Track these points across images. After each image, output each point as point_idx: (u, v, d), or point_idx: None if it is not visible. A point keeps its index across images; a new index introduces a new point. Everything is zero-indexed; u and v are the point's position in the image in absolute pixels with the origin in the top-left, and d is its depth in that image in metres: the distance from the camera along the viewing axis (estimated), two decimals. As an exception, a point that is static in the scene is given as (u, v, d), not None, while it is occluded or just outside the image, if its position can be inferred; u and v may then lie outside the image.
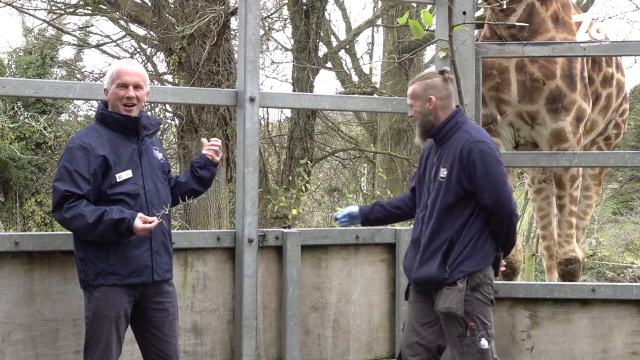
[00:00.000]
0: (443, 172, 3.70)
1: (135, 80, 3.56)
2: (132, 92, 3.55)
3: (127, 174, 3.50)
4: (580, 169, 5.88)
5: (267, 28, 13.48)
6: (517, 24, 5.23)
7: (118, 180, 3.47)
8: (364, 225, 4.22)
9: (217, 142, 3.90)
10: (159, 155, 3.72)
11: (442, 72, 3.82)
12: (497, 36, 5.45)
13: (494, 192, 3.62)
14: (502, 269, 4.07)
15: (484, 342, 3.63)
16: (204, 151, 3.91)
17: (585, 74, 5.71)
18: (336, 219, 4.17)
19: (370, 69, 15.61)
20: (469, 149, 3.64)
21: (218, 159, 3.90)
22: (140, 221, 3.38)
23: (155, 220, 3.42)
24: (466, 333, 3.62)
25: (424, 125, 3.80)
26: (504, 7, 5.11)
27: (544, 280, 7.21)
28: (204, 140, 3.98)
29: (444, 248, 3.65)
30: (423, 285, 3.75)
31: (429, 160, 3.88)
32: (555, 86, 5.46)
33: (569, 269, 5.89)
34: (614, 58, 6.22)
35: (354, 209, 4.13)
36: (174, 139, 13.11)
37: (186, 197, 3.81)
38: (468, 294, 3.62)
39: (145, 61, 11.73)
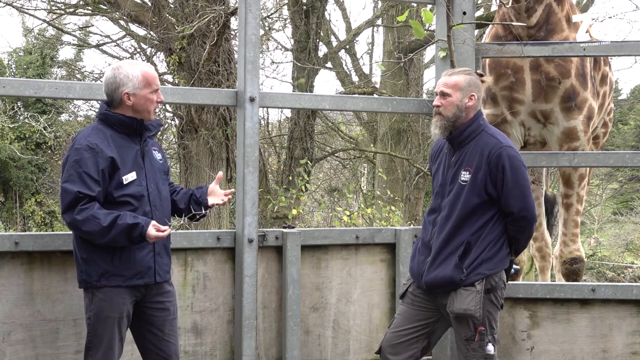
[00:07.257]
0: (465, 176, 3.64)
1: (158, 84, 3.60)
2: (161, 97, 3.60)
3: (132, 176, 3.47)
4: (588, 168, 5.88)
5: (267, 28, 13.50)
6: (516, 24, 5.21)
7: (124, 182, 3.44)
8: None
9: (230, 191, 3.88)
10: (159, 156, 3.71)
11: (480, 75, 3.81)
12: (512, 35, 5.42)
13: (521, 198, 3.59)
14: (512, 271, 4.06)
15: (490, 347, 3.59)
16: (210, 189, 3.84)
17: (592, 72, 5.73)
18: None
19: (371, 69, 15.62)
20: (498, 154, 3.59)
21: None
22: (154, 229, 3.37)
23: (167, 230, 3.42)
24: (474, 337, 3.58)
25: (452, 120, 3.70)
26: (529, 6, 5.12)
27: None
28: (220, 174, 3.92)
29: (461, 250, 3.60)
30: (435, 287, 3.68)
31: (441, 161, 3.81)
32: (570, 85, 5.45)
33: (573, 268, 5.88)
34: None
35: None
36: (174, 139, 13.11)
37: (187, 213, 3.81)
38: (483, 296, 3.58)
39: (145, 61, 11.74)
